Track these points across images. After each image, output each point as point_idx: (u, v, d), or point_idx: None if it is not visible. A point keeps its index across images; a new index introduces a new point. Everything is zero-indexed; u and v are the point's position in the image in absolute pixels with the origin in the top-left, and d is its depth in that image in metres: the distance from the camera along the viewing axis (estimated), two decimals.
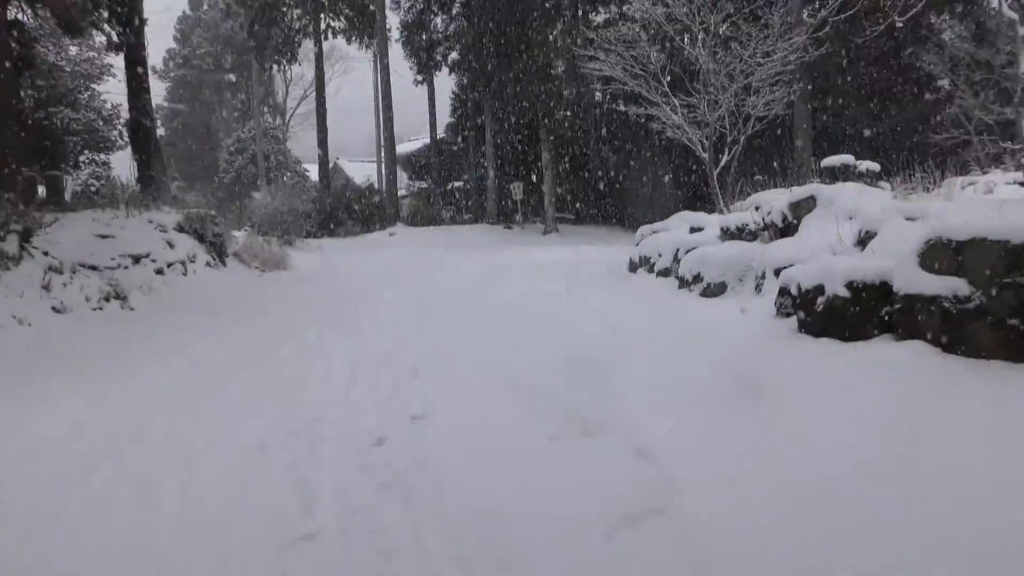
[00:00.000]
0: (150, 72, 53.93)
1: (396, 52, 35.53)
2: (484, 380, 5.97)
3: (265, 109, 53.98)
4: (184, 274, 13.80)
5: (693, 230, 13.06)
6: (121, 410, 5.62)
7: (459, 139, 37.02)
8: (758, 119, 14.75)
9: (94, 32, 15.79)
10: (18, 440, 5.03)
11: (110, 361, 7.26)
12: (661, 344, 6.71)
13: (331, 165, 46.71)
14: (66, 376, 6.74)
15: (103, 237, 13.44)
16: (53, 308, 9.48)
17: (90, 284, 10.56)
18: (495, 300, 10.93)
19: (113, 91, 28.90)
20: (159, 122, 53.67)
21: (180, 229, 14.84)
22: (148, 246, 13.59)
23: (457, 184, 37.85)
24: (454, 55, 35.29)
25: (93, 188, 23.29)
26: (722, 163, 14.83)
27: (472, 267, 16.78)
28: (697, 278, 10.64)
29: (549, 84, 28.59)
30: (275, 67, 51.52)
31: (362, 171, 44.41)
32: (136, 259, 13.21)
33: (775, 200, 11.14)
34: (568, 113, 31.64)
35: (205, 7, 50.14)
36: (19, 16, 15.34)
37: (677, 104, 14.91)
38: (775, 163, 22.87)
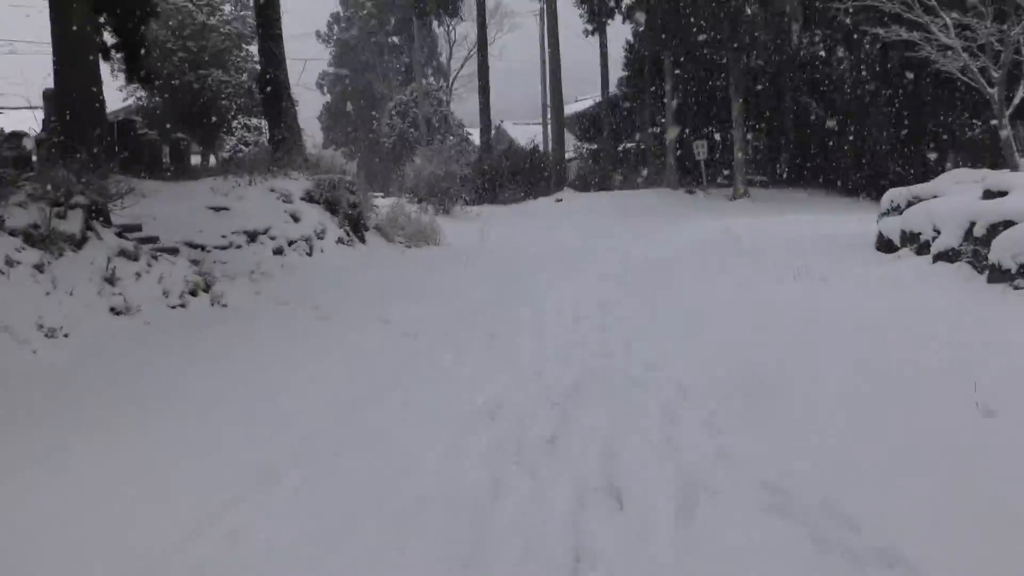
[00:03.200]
0: (316, 36, 52.98)
1: (564, 2, 32.17)
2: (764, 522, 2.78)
3: (428, 71, 52.21)
4: (308, 253, 11.37)
5: (990, 194, 9.13)
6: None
7: (633, 94, 33.28)
8: None
9: None
10: None
11: (122, 411, 4.62)
12: None
13: (495, 128, 44.21)
14: (42, 439, 4.13)
15: (217, 210, 11.24)
16: (112, 308, 7.07)
17: (174, 273, 8.14)
18: (718, 303, 7.61)
19: None
20: (324, 88, 53.08)
21: (309, 199, 12.43)
22: (268, 220, 11.25)
23: (630, 145, 34.20)
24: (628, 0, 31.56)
25: (240, 153, 21.64)
26: (1015, 103, 10.69)
27: (660, 242, 13.51)
28: None
29: (740, 23, 24.40)
30: (438, 25, 49.53)
31: (527, 134, 41.54)
32: (252, 236, 10.92)
33: None
34: (761, 61, 27.31)
35: None
36: None
37: (949, 23, 10.84)
38: None
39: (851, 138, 27.03)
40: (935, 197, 10.55)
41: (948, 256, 8.63)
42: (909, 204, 11.04)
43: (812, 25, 28.96)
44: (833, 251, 11.00)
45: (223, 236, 10.67)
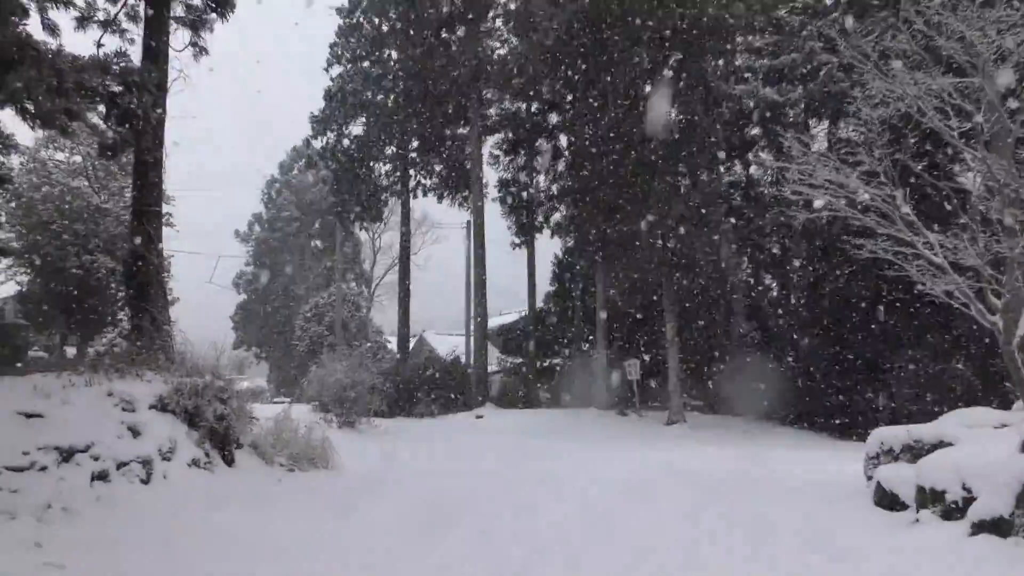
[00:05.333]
0: (235, 235, 51.31)
1: (492, 213, 31.47)
2: None
3: (350, 277, 50.83)
4: (145, 480, 8.59)
5: None
6: None
7: (561, 309, 32.04)
8: None
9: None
10: None
11: None
12: None
13: (416, 337, 42.29)
14: None
15: (28, 416, 8.47)
16: None
17: None
18: None
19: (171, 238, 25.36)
20: (239, 289, 50.93)
21: (162, 407, 9.78)
22: (94, 433, 8.53)
23: (556, 361, 32.53)
24: (557, 216, 31.04)
25: (116, 347, 18.82)
26: (1020, 333, 9.06)
27: (603, 477, 11.08)
28: None
29: (675, 243, 23.55)
30: (363, 232, 48.72)
31: (449, 344, 39.68)
32: (66, 454, 8.16)
33: None
34: (693, 282, 26.42)
35: (295, 171, 48.21)
36: None
37: (934, 240, 9.38)
38: None
39: (785, 366, 25.77)
40: (942, 443, 8.61)
41: (995, 527, 6.47)
42: (907, 449, 9.11)
43: (742, 250, 28.60)
44: (821, 505, 8.78)
45: (24, 453, 7.89)
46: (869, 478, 9.48)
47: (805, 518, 8.07)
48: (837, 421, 22.67)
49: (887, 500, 8.39)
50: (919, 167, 10.57)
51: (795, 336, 26.19)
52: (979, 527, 6.62)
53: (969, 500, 6.95)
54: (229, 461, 10.53)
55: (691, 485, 10.32)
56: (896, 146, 9.86)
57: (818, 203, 10.89)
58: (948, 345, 22.51)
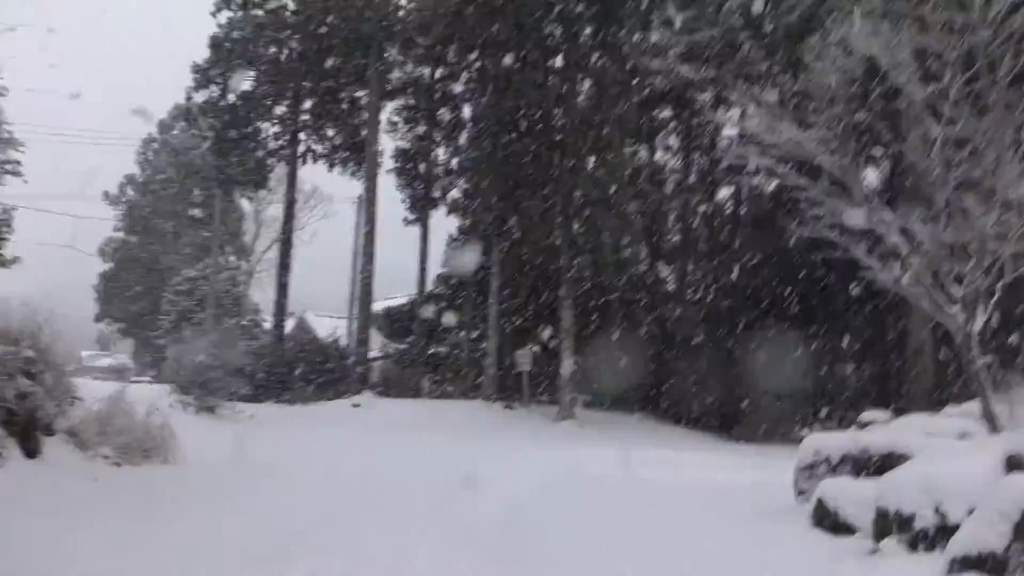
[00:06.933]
0: (104, 197, 46.98)
1: (386, 189, 29.41)
2: None
3: (230, 250, 47.50)
4: None
5: (1018, 464, 5.98)
6: None
7: (452, 294, 30.32)
8: None
9: None
10: None
11: None
12: None
13: (295, 315, 39.73)
14: None
15: None
16: None
17: None
18: None
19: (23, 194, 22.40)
20: (105, 257, 46.74)
21: None
22: None
23: (443, 349, 30.79)
24: (455, 192, 29.34)
25: None
26: (976, 327, 7.95)
27: (484, 495, 9.42)
28: None
29: (579, 225, 22.27)
30: (246, 202, 45.53)
31: (331, 327, 37.37)
32: None
33: None
34: (598, 268, 25.25)
35: (175, 131, 44.48)
36: None
37: (888, 220, 8.23)
38: None
39: (677, 363, 24.97)
40: (893, 454, 7.44)
41: (983, 564, 5.21)
42: (850, 459, 7.92)
43: (643, 238, 27.66)
44: (748, 528, 7.44)
45: None
46: (800, 492, 8.25)
47: (733, 545, 6.69)
48: (724, 422, 22.38)
49: (830, 521, 7.11)
50: (882, 128, 9.45)
51: (686, 332, 25.49)
52: (963, 563, 5.33)
53: (944, 529, 5.72)
54: (32, 452, 8.39)
55: (586, 499, 8.89)
56: (856, 104, 8.66)
57: (723, 192, 9.74)
58: (836, 347, 22.49)
